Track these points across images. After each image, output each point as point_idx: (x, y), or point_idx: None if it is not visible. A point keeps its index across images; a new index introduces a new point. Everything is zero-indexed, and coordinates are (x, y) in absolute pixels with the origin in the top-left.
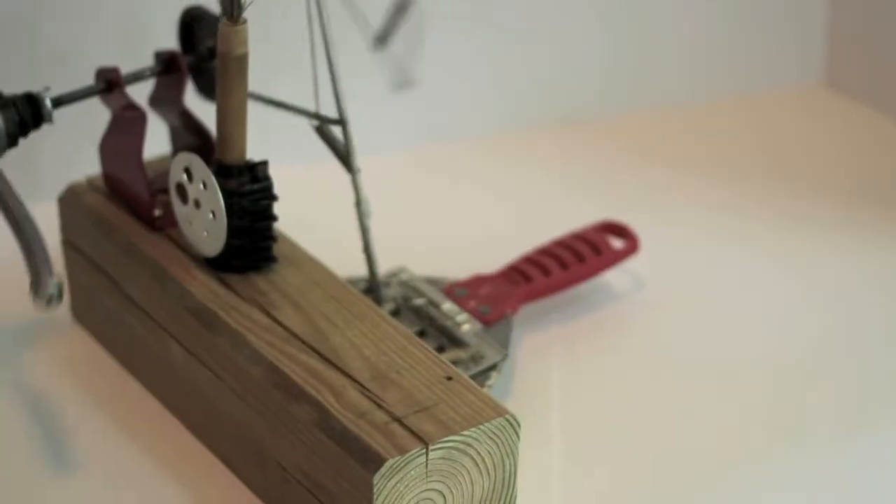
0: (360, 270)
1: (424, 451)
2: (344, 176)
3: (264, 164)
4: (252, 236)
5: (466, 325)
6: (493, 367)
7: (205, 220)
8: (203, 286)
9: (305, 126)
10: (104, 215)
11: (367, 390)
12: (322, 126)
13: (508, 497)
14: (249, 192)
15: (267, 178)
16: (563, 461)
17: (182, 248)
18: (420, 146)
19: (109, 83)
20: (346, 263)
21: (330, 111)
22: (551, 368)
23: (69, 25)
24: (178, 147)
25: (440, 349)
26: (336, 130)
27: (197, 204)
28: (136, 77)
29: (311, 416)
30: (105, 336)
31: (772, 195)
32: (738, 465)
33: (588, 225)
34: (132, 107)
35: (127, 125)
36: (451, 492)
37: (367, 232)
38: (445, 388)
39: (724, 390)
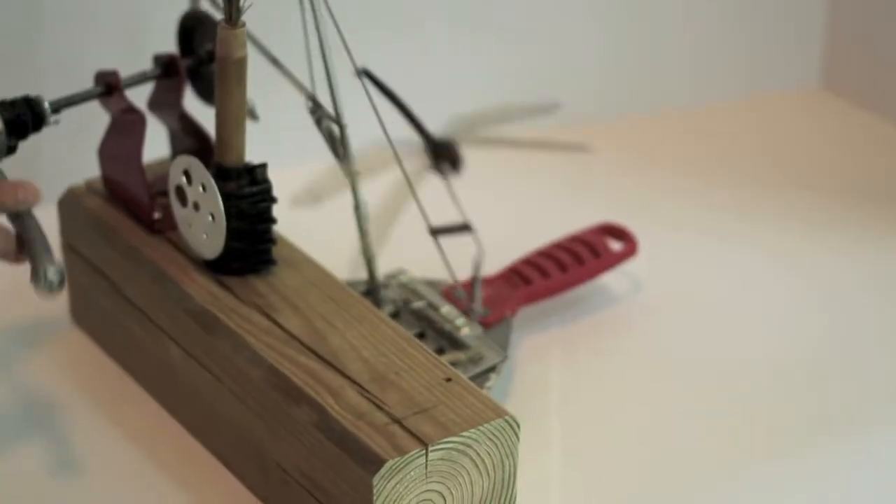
0: (359, 273)
1: (424, 452)
2: (344, 179)
3: (263, 166)
4: (251, 239)
5: (465, 328)
6: (492, 369)
7: (204, 223)
8: (202, 288)
9: (304, 129)
10: (104, 218)
11: (367, 392)
12: (321, 118)
13: (508, 498)
14: (248, 195)
15: (266, 181)
16: (563, 462)
17: (181, 250)
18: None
19: (109, 86)
20: (345, 266)
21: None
22: (550, 370)
23: (69, 29)
24: (177, 150)
25: (439, 351)
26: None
27: (196, 206)
28: (136, 80)
29: (311, 418)
30: (104, 338)
31: (770, 197)
32: (737, 467)
33: (587, 227)
34: (131, 110)
35: (126, 128)
36: (451, 493)
37: (365, 235)
38: (445, 390)
39: (723, 392)
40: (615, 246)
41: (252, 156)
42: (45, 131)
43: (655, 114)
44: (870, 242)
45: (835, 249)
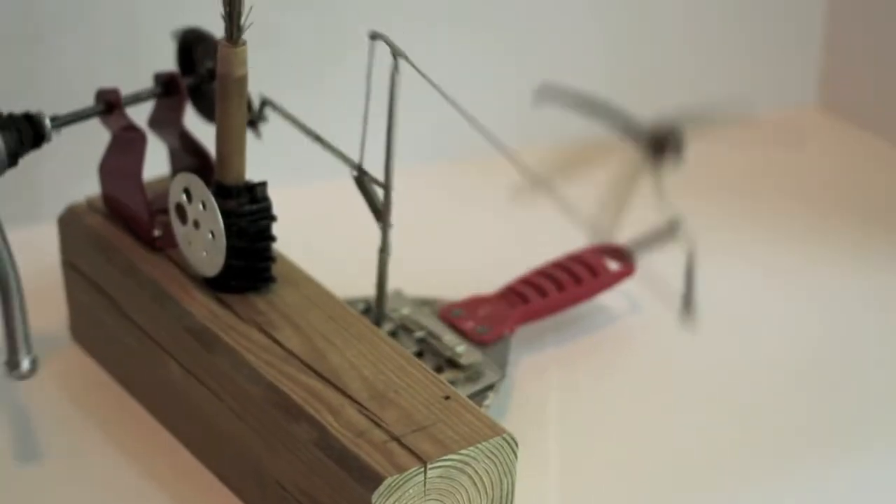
0: (359, 291)
1: (423, 469)
2: (343, 197)
3: (263, 184)
4: (251, 256)
5: (463, 346)
6: (490, 388)
7: (204, 241)
8: (202, 306)
9: (304, 148)
10: (104, 236)
11: (366, 409)
12: (362, 179)
13: None
14: (248, 213)
15: (266, 199)
16: (560, 480)
17: (181, 268)
18: (418, 167)
19: (109, 104)
20: (345, 284)
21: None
22: (548, 389)
23: (70, 47)
24: (177, 168)
25: (438, 369)
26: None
27: (196, 224)
28: (136, 98)
29: (310, 435)
30: (104, 355)
31: (768, 215)
32: (737, 485)
33: (585, 247)
34: (132, 128)
35: (127, 146)
36: None
37: (383, 281)
38: (443, 408)
39: (722, 410)
40: (613, 265)
41: (252, 174)
42: (46, 148)
43: None
44: (867, 259)
45: (833, 266)
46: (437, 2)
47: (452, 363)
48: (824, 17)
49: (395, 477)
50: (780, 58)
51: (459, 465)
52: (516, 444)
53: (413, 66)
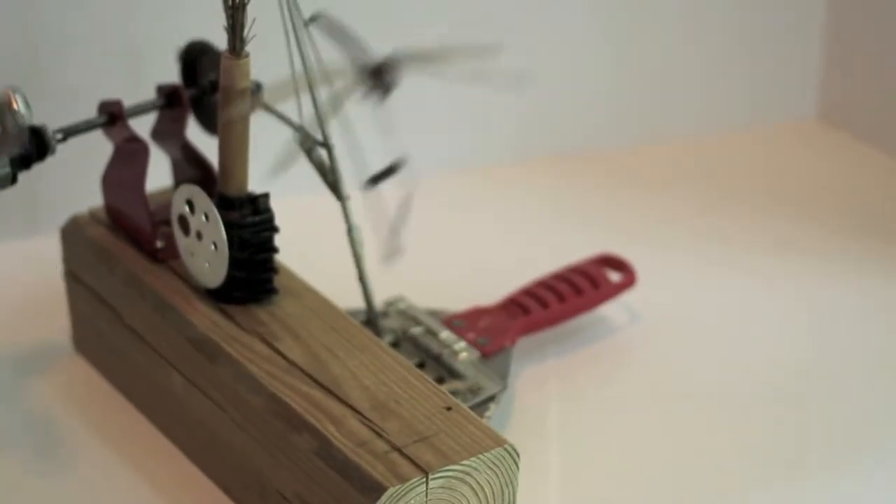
0: (360, 302)
1: (424, 480)
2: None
3: (265, 196)
4: (253, 268)
5: (465, 354)
6: (491, 399)
7: (207, 252)
8: (204, 317)
9: (306, 159)
10: (106, 247)
11: (368, 420)
12: (311, 153)
13: None
14: (251, 224)
15: (268, 210)
16: (562, 491)
17: (184, 279)
18: (420, 177)
19: (112, 116)
20: (347, 295)
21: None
22: (549, 400)
23: (72, 59)
24: (179, 179)
25: (439, 380)
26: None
27: (199, 235)
28: (139, 110)
29: (312, 446)
30: (106, 366)
31: (769, 227)
32: (739, 495)
33: (586, 258)
34: (135, 139)
35: (129, 157)
36: None
37: (360, 260)
38: (445, 419)
39: (722, 421)
40: (614, 277)
41: (254, 185)
42: (49, 160)
43: (655, 146)
44: (868, 272)
45: (833, 278)
46: (437, 3)
47: (453, 371)
48: (823, 29)
49: (396, 487)
50: (780, 70)
51: (461, 475)
52: (518, 455)
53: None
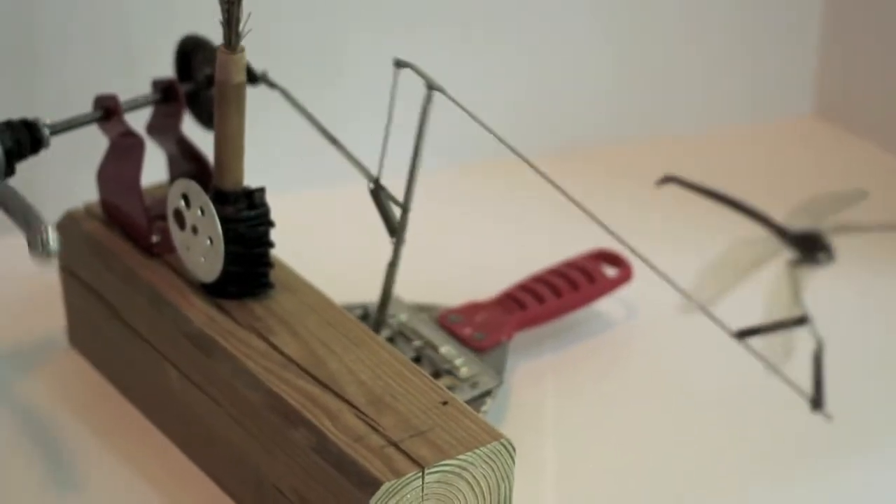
0: (357, 297)
1: (420, 474)
2: (342, 203)
3: (261, 190)
4: (249, 262)
5: (462, 359)
6: (487, 393)
7: (202, 247)
8: (200, 312)
9: (303, 154)
10: (102, 242)
11: (364, 415)
12: (378, 193)
13: None
14: (246, 219)
15: (264, 205)
16: (558, 485)
17: (179, 273)
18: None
19: (108, 111)
20: (343, 289)
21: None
22: (546, 395)
23: (68, 53)
24: (175, 174)
25: (435, 375)
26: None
27: (194, 230)
28: (134, 105)
29: (309, 441)
30: (102, 361)
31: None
32: (734, 490)
33: (582, 253)
34: (130, 134)
35: (125, 152)
36: None
37: (388, 297)
38: (441, 413)
39: (719, 417)
40: (610, 272)
41: (250, 180)
42: (44, 155)
43: (653, 141)
44: (864, 268)
45: (830, 274)
46: (437, 5)
47: (449, 366)
48: (821, 26)
49: (392, 482)
50: (778, 67)
51: (457, 470)
52: (514, 450)
53: (447, 95)
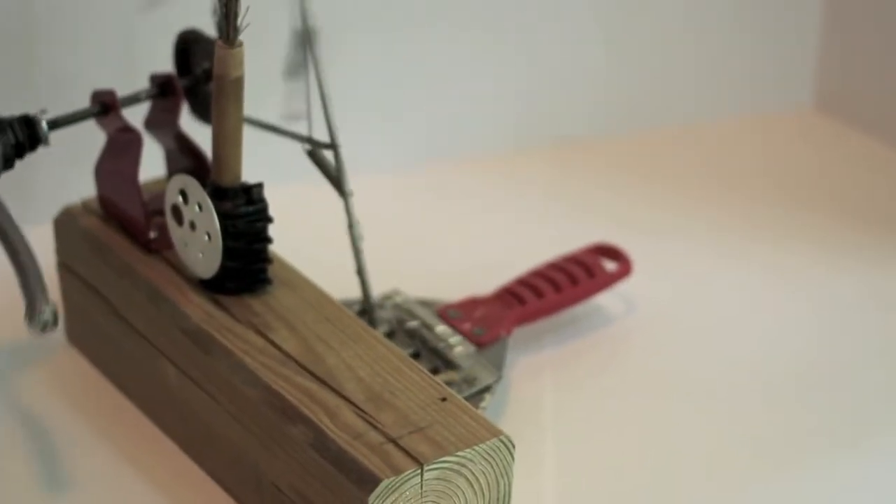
0: (355, 293)
1: (419, 471)
2: (338, 198)
3: (259, 186)
4: (247, 258)
5: (460, 347)
6: (486, 389)
7: (200, 242)
8: (198, 308)
9: (300, 149)
10: (100, 237)
11: (363, 411)
12: (314, 150)
13: None
14: (244, 214)
15: (262, 201)
16: (557, 482)
17: (177, 269)
18: (414, 167)
19: (105, 106)
20: (341, 285)
21: (320, 135)
22: (545, 390)
23: (65, 48)
24: (173, 169)
25: (434, 371)
26: (328, 154)
27: (192, 226)
28: (132, 100)
29: (307, 437)
30: (100, 358)
31: (765, 216)
32: (735, 486)
33: (581, 247)
34: (128, 129)
35: (123, 147)
36: None
37: (359, 254)
38: (440, 409)
39: (719, 412)
40: (609, 266)
41: (248, 175)
42: (41, 150)
43: (651, 134)
44: (865, 261)
45: (830, 267)
46: (434, 2)
47: (448, 362)
48: (820, 18)
49: (391, 479)
50: (777, 59)
51: (456, 466)
52: (513, 446)
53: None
